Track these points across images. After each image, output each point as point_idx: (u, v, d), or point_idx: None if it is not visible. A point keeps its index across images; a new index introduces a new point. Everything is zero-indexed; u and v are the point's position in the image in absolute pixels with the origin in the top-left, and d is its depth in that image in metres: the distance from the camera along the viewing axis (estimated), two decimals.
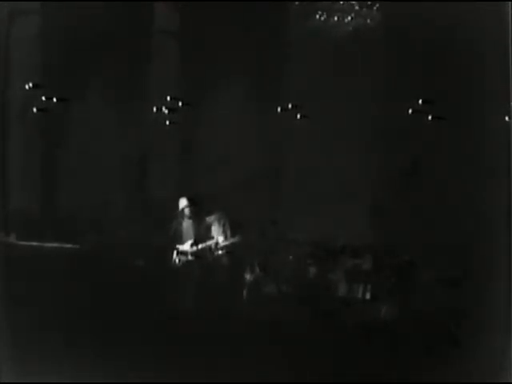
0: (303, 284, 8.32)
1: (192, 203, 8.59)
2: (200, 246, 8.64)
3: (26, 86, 8.06)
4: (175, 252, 8.62)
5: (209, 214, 8.64)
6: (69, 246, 8.21)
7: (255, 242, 8.38)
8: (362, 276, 8.24)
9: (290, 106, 8.27)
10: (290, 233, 8.31)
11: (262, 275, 8.35)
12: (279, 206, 8.52)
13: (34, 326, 7.65)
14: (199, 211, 8.62)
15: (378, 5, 8.48)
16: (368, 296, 8.19)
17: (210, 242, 8.63)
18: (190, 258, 8.62)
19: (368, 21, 8.46)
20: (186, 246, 8.66)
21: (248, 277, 8.38)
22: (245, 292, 8.38)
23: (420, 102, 7.95)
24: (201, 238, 8.66)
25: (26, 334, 7.59)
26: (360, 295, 8.22)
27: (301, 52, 8.52)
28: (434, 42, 8.07)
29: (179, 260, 8.61)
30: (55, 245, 8.22)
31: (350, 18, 8.51)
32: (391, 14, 8.36)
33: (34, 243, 8.22)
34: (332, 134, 8.34)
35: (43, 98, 8.07)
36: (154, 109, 8.31)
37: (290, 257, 8.38)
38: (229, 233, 8.61)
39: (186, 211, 8.62)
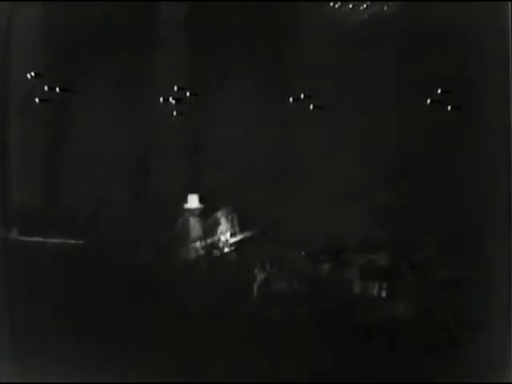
0: (312, 282, 8.30)
1: (200, 199, 8.48)
2: (208, 243, 8.56)
3: (28, 76, 7.91)
4: (183, 249, 8.54)
5: (216, 209, 8.50)
6: (72, 241, 8.11)
7: (265, 238, 8.29)
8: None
9: (302, 96, 8.13)
10: (301, 230, 8.22)
11: (273, 272, 8.31)
12: (290, 202, 8.37)
13: (35, 325, 7.58)
14: (207, 207, 8.51)
15: None
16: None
17: (218, 239, 8.55)
18: (197, 254, 8.55)
19: (384, 8, 8.28)
20: (194, 243, 8.58)
21: (258, 274, 8.33)
22: (254, 289, 8.32)
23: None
24: (208, 235, 8.56)
25: (26, 333, 7.53)
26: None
27: (314, 41, 8.33)
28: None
29: (187, 257, 8.52)
30: (58, 241, 8.10)
31: (365, 5, 8.33)
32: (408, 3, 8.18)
33: (37, 239, 8.09)
34: (343, 127, 8.22)
35: (45, 88, 7.95)
36: (161, 99, 8.18)
37: (303, 253, 8.34)
38: (237, 229, 8.53)
39: (194, 207, 8.53)
